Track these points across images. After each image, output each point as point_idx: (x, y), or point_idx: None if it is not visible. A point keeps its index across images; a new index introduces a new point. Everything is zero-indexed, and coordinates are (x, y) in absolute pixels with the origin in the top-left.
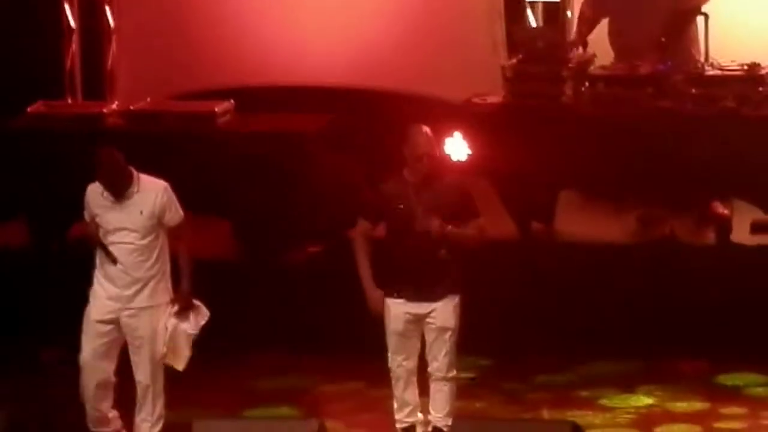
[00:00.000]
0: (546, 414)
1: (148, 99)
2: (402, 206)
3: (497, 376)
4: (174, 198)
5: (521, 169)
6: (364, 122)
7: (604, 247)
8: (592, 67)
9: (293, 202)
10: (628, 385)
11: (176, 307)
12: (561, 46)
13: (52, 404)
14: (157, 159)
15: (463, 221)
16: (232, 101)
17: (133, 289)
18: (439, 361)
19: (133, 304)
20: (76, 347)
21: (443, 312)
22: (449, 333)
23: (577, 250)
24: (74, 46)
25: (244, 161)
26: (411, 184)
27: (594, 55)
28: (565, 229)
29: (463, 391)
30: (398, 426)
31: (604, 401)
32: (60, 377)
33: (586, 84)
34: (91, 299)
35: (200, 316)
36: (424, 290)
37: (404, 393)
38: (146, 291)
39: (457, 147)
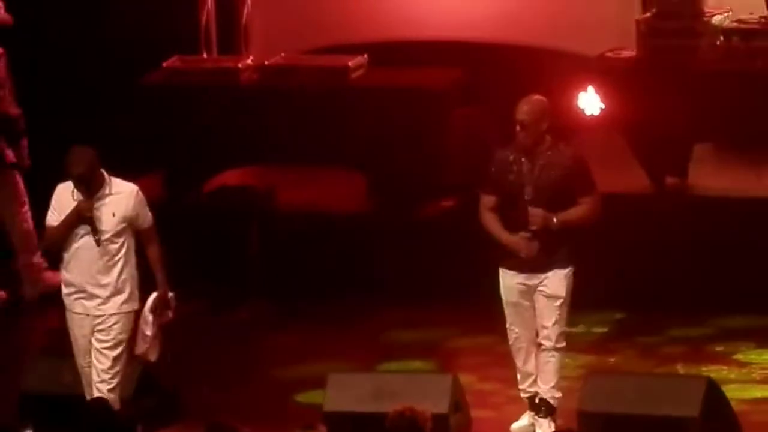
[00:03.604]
0: (681, 368)
1: (282, 54)
2: (512, 176)
3: (631, 330)
4: (144, 200)
5: (655, 123)
6: (497, 77)
7: (738, 200)
8: (727, 21)
9: (426, 156)
10: (764, 340)
11: (156, 309)
12: (695, 0)
13: (187, 355)
14: (291, 113)
15: (576, 196)
16: (365, 56)
17: (104, 294)
18: (548, 329)
19: (104, 310)
20: (209, 300)
21: (553, 281)
22: (559, 301)
23: (712, 204)
24: (209, 1)
25: (377, 115)
26: (523, 152)
27: (729, 10)
28: (699, 183)
29: (597, 345)
30: (522, 396)
31: (739, 356)
32: (192, 327)
33: (721, 38)
34: (66, 313)
35: (172, 309)
36: (533, 262)
37: (525, 365)
38: (118, 297)
39: (590, 101)
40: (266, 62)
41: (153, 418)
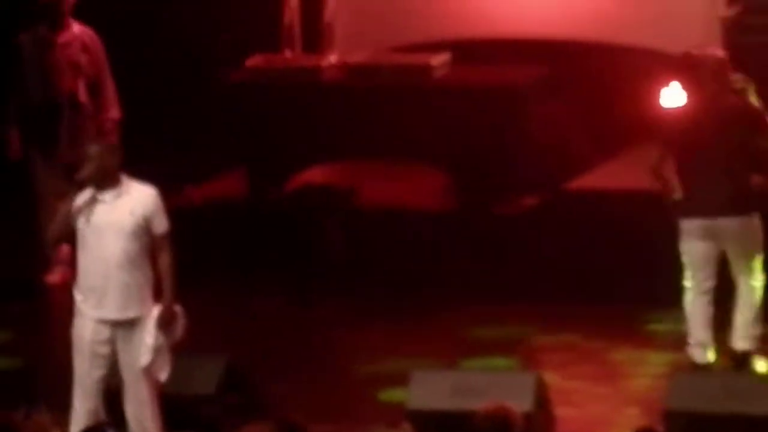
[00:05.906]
0: None
1: (365, 52)
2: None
3: (719, 327)
4: (162, 205)
5: None
6: (579, 74)
7: None
8: None
9: (508, 154)
10: None
11: (161, 321)
12: None
13: (270, 352)
14: (374, 111)
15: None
16: (448, 54)
17: (122, 298)
18: None
19: (125, 315)
20: (291, 298)
21: None
22: None
23: None
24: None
25: (459, 113)
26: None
27: None
28: None
29: (682, 342)
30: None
31: None
32: (275, 325)
33: None
34: (76, 318)
35: (182, 326)
36: None
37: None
38: (136, 300)
39: (673, 98)
40: (349, 60)
41: (236, 415)
